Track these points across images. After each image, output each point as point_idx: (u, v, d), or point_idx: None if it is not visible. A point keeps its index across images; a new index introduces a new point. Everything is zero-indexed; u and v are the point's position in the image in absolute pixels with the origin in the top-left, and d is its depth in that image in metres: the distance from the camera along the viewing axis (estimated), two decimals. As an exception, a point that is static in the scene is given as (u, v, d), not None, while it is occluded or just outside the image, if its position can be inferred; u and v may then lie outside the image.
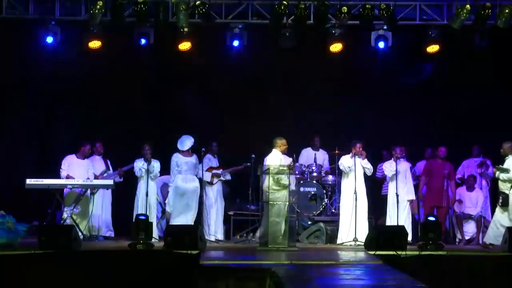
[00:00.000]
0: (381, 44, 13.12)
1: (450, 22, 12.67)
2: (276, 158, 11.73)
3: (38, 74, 13.78)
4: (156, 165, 12.50)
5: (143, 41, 13.01)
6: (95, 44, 12.88)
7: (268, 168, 11.63)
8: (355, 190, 12.20)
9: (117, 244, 12.02)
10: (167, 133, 13.98)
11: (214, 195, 12.76)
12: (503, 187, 11.86)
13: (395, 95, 14.26)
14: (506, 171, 11.80)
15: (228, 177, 13.09)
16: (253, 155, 12.59)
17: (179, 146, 12.26)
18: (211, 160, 12.88)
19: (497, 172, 11.92)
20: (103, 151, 13.32)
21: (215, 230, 12.64)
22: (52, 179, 12.36)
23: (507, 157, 11.94)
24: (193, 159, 12.29)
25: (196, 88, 14.31)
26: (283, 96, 14.40)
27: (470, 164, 13.56)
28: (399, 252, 10.30)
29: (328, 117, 14.32)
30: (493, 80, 13.87)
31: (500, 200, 11.79)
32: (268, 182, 11.42)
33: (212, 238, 12.43)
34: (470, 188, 13.01)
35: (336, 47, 13.10)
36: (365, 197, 12.44)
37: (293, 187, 12.08)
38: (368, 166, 12.38)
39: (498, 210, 11.89)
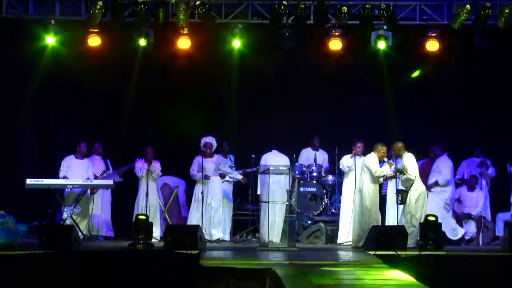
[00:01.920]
0: (381, 44, 13.13)
1: (450, 22, 12.67)
2: (373, 161, 11.79)
3: (38, 74, 13.76)
4: (156, 165, 12.51)
5: (143, 41, 13.01)
6: (94, 41, 12.88)
7: (268, 168, 11.65)
8: (355, 190, 12.20)
9: (117, 244, 12.01)
10: (167, 133, 13.99)
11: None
12: (403, 185, 11.86)
13: (395, 95, 14.25)
14: (402, 172, 11.77)
15: (239, 177, 13.05)
16: (253, 155, 12.59)
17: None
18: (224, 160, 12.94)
19: (398, 174, 11.87)
20: (102, 151, 13.33)
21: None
22: (52, 179, 12.37)
23: (402, 157, 11.91)
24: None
25: (196, 88, 14.30)
26: (283, 96, 14.39)
27: (470, 164, 13.54)
28: (399, 252, 10.29)
29: (328, 117, 14.31)
30: (493, 80, 13.87)
31: (400, 198, 11.73)
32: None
33: (214, 238, 12.42)
34: (471, 188, 13.00)
35: (336, 47, 13.09)
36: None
37: None
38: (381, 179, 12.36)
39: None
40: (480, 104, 14.05)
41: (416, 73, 13.20)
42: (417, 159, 13.50)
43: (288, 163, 12.32)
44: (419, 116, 14.30)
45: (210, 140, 12.47)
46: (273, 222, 11.98)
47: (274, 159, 12.39)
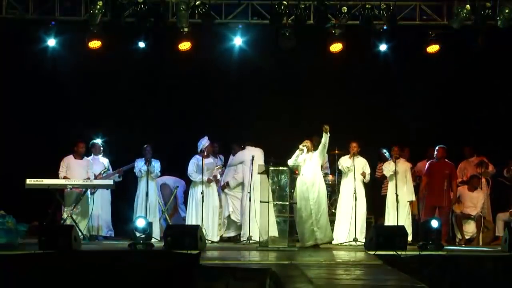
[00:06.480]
0: (381, 45, 13.13)
1: (450, 22, 12.68)
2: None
3: (37, 74, 13.78)
4: (156, 165, 12.51)
5: (143, 41, 12.99)
6: (95, 44, 12.87)
7: (268, 168, 11.65)
8: (355, 190, 12.21)
9: (117, 244, 12.02)
10: (167, 133, 13.99)
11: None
12: None
13: (395, 95, 14.25)
14: None
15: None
16: (253, 155, 12.58)
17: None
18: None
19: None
20: (102, 151, 13.34)
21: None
22: (52, 179, 12.37)
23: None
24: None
25: (196, 88, 14.31)
26: (282, 96, 14.39)
27: (467, 166, 13.50)
28: (399, 252, 10.30)
29: (327, 117, 14.28)
30: (493, 80, 13.87)
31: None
32: None
33: (214, 239, 12.41)
34: (472, 189, 12.98)
35: (336, 47, 13.09)
36: (364, 197, 12.44)
37: None
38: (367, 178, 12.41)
39: None
40: (479, 104, 14.05)
41: None
42: (418, 160, 13.58)
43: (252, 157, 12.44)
44: (419, 116, 14.29)
45: (208, 141, 12.50)
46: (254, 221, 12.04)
47: (246, 152, 12.45)
